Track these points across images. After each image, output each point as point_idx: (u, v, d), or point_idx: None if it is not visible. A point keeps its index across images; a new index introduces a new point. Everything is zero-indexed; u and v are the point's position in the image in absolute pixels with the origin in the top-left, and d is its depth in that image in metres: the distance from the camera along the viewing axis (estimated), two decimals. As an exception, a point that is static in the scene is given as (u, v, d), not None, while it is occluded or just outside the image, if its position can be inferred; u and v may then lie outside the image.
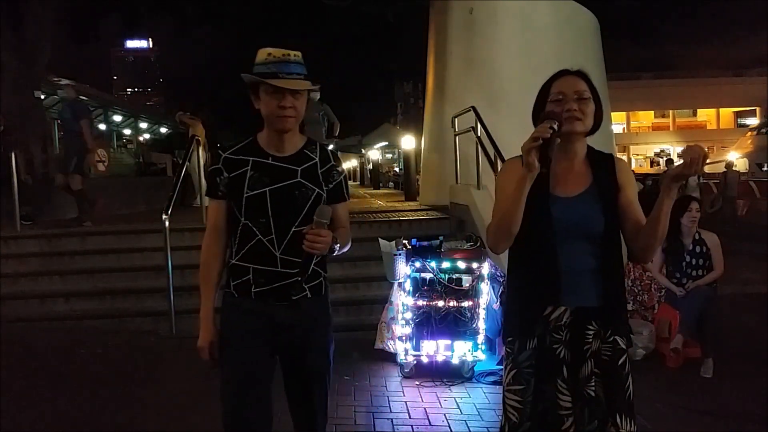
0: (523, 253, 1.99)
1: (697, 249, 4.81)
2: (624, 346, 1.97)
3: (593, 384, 1.93)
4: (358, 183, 31.13)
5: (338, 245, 2.09)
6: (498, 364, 4.46)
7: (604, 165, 2.02)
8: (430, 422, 3.66)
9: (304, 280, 2.12)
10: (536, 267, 1.96)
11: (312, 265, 2.11)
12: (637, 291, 5.44)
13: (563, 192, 1.96)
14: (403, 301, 4.48)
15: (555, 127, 1.82)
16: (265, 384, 2.15)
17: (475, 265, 4.46)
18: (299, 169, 2.13)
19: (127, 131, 34.08)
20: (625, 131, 45.93)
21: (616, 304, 1.97)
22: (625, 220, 1.97)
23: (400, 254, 4.56)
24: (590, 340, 1.94)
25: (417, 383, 4.30)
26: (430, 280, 4.46)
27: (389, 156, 37.53)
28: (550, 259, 1.92)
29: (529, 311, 1.97)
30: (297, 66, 2.09)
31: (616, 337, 1.95)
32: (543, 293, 1.94)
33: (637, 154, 45.65)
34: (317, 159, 2.17)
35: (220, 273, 2.20)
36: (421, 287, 4.46)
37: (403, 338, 4.43)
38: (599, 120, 2.02)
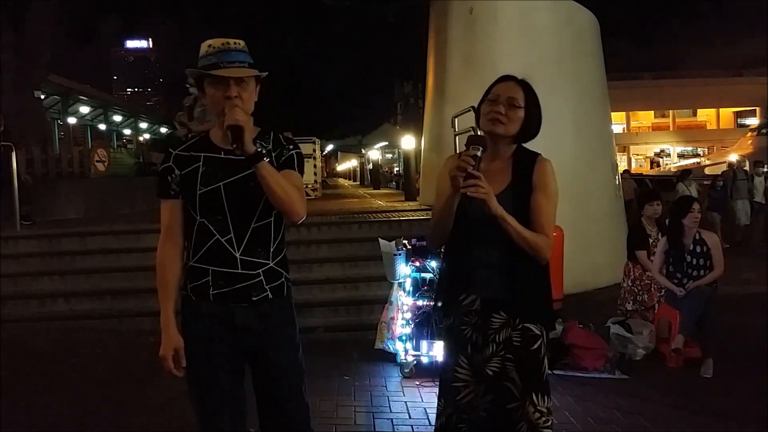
0: (448, 245, 2.25)
1: (698, 249, 4.80)
2: (538, 332, 2.13)
3: (494, 365, 2.13)
4: (358, 183, 31.11)
5: (265, 165, 1.91)
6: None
7: (525, 165, 2.14)
8: (430, 422, 3.66)
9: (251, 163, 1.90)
10: (455, 259, 2.22)
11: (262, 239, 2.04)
12: (637, 291, 5.43)
13: None
14: (403, 302, 4.48)
15: (478, 154, 1.99)
16: (233, 386, 2.08)
17: (475, 265, 4.46)
18: None
19: (127, 131, 34.11)
20: (625, 131, 45.86)
21: (525, 295, 2.12)
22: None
23: (400, 254, 4.56)
24: (495, 327, 2.13)
25: (417, 383, 4.30)
26: (430, 280, 4.46)
27: (389, 156, 37.56)
28: (463, 252, 2.17)
29: (447, 296, 2.24)
30: (239, 54, 2.00)
31: (526, 324, 2.12)
32: (458, 282, 2.19)
33: (637, 154, 45.62)
34: (270, 146, 2.08)
35: (179, 276, 2.08)
36: (421, 287, 4.46)
37: (403, 338, 4.43)
38: (531, 128, 2.15)
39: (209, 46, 2.01)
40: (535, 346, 2.11)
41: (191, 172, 2.03)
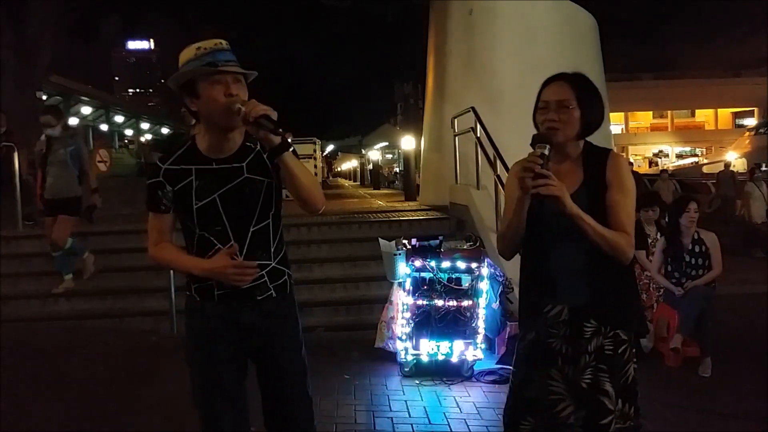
0: (525, 253, 2.11)
1: (697, 248, 4.82)
2: (626, 338, 2.03)
3: (588, 377, 2.00)
4: (359, 183, 31.12)
5: (290, 155, 1.91)
6: (497, 363, 4.48)
7: (596, 163, 2.04)
8: (429, 421, 3.68)
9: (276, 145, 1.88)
10: (534, 266, 2.09)
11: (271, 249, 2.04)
12: (636, 291, 5.45)
13: None
14: (403, 301, 4.50)
15: (546, 152, 1.91)
16: (236, 386, 2.09)
17: (474, 265, 4.47)
18: (244, 164, 2.02)
19: (128, 131, 34.14)
20: (624, 132, 45.88)
21: (613, 300, 2.02)
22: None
23: (400, 254, 4.58)
24: (588, 335, 2.01)
25: (417, 382, 4.31)
26: (430, 279, 4.47)
27: (389, 156, 37.56)
28: (544, 260, 2.05)
29: (529, 307, 2.12)
30: (231, 54, 1.97)
31: (617, 331, 2.02)
32: (540, 292, 2.07)
33: (636, 155, 45.58)
34: (259, 147, 2.03)
35: (179, 248, 2.09)
36: (421, 287, 4.47)
37: (403, 338, 4.45)
38: (590, 124, 2.05)
39: (198, 48, 1.96)
40: (622, 350, 2.01)
41: (185, 188, 2.01)
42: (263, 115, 1.86)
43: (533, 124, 2.10)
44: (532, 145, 1.96)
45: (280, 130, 1.88)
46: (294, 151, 2.02)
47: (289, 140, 1.93)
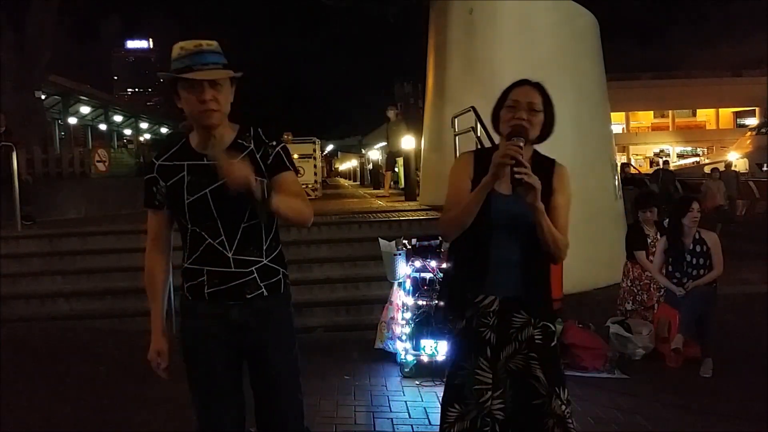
0: (461, 243, 2.20)
1: (698, 248, 4.81)
2: (553, 329, 2.21)
3: (519, 362, 2.15)
4: (358, 183, 31.12)
5: (276, 200, 1.90)
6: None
7: (544, 168, 2.17)
8: (430, 422, 3.67)
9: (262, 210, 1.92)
10: (471, 257, 2.18)
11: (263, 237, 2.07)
12: (636, 291, 5.44)
13: (504, 189, 2.10)
14: (403, 301, 4.49)
15: (521, 144, 2.03)
16: (233, 385, 2.09)
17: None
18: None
19: (127, 131, 34.17)
20: (625, 131, 45.87)
21: (541, 294, 2.20)
22: None
23: (400, 254, 4.57)
24: (517, 326, 2.16)
25: (417, 383, 4.31)
26: (430, 280, 4.47)
27: (389, 156, 37.57)
28: (483, 251, 2.15)
29: (461, 297, 2.20)
30: (213, 55, 1.96)
31: (544, 322, 2.18)
32: (474, 282, 2.17)
33: (637, 155, 45.60)
34: (252, 145, 2.04)
35: (166, 281, 2.17)
36: (421, 287, 4.46)
37: (403, 338, 4.44)
38: (548, 131, 2.21)
39: (181, 48, 1.96)
40: (554, 342, 2.18)
41: (177, 183, 2.03)
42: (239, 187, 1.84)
43: (492, 120, 2.23)
44: (509, 136, 2.08)
45: (258, 180, 1.86)
46: (284, 154, 2.05)
47: (268, 193, 1.89)
